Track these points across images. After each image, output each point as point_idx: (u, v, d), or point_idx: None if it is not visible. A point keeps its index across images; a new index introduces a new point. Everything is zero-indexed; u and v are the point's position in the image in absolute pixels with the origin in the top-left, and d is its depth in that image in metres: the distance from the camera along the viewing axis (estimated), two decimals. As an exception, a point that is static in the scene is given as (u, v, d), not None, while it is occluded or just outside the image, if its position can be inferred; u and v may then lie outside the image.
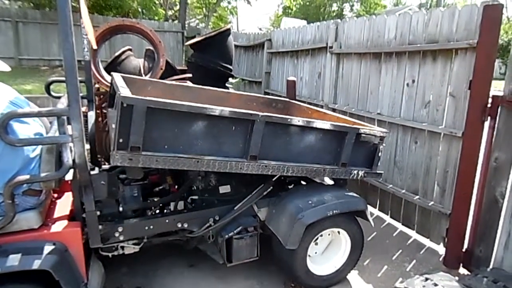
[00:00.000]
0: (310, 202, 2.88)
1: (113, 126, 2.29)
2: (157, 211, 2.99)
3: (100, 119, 5.71)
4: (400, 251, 3.68)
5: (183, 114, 2.32)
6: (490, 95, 3.04)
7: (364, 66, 4.55)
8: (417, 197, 3.81)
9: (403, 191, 3.99)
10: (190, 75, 5.75)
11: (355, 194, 3.12)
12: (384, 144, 3.17)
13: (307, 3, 28.31)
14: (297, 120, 2.73)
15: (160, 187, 3.20)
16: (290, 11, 29.56)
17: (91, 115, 3.41)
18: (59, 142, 2.16)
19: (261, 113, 2.56)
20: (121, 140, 2.19)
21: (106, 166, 3.70)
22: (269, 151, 2.68)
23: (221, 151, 2.53)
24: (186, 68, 6.68)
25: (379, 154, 3.14)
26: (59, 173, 2.17)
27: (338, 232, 3.05)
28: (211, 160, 2.47)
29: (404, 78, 3.93)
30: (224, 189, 3.28)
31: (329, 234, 3.10)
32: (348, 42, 4.82)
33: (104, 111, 5.77)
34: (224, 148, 2.55)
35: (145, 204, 2.95)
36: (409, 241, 3.87)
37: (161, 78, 5.42)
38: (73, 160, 2.23)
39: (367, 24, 4.43)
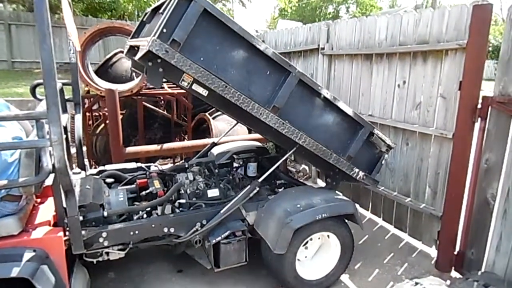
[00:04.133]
0: (298, 205, 2.84)
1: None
2: (144, 215, 2.93)
3: (90, 122, 5.67)
4: (392, 254, 3.64)
5: (231, 34, 2.41)
6: (480, 96, 3.01)
7: (355, 67, 4.52)
8: (409, 199, 3.78)
9: (395, 193, 3.96)
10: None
11: (344, 197, 3.08)
12: (387, 156, 3.15)
13: (303, 5, 28.38)
14: (326, 92, 2.77)
15: (147, 191, 3.15)
16: (286, 13, 29.61)
17: (78, 118, 3.35)
18: (38, 146, 2.11)
19: (298, 68, 2.63)
20: (165, 30, 2.21)
21: (93, 170, 3.66)
22: (290, 111, 2.71)
23: (249, 89, 2.55)
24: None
25: (382, 162, 3.13)
26: (38, 178, 2.11)
27: (328, 236, 3.00)
28: (237, 92, 2.47)
29: (395, 79, 3.90)
30: (213, 192, 3.24)
31: (319, 238, 3.06)
32: (339, 43, 4.79)
33: (95, 114, 5.73)
34: (252, 88, 2.57)
35: (131, 208, 2.90)
36: (401, 244, 3.83)
37: (152, 80, 5.38)
38: (53, 165, 2.17)
39: (358, 25, 4.40)
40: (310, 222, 2.77)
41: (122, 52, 6.97)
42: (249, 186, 2.97)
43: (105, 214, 2.73)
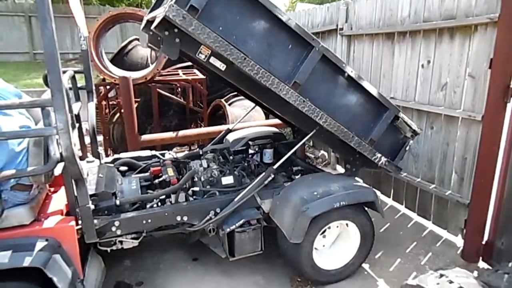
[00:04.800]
0: (315, 193, 2.71)
1: None
2: (158, 203, 2.88)
3: (107, 110, 5.67)
4: (415, 243, 3.48)
5: (252, 3, 2.30)
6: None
7: (376, 47, 4.29)
8: (433, 186, 3.59)
9: (418, 179, 3.77)
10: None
11: (364, 184, 2.94)
12: (412, 142, 2.98)
13: (322, -13, 27.58)
14: (350, 70, 2.65)
15: (160, 179, 3.09)
16: (304, -5, 28.91)
17: (91, 106, 3.31)
18: (44, 134, 2.06)
19: (321, 43, 2.50)
20: None
21: (108, 159, 3.64)
22: (311, 89, 2.59)
23: (269, 63, 2.45)
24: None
25: (406, 148, 2.97)
26: (46, 167, 2.07)
27: (347, 225, 2.88)
28: (256, 65, 2.37)
29: (419, 58, 3.67)
30: (227, 180, 3.15)
31: (337, 227, 2.94)
32: (359, 23, 4.55)
33: (112, 102, 5.73)
34: (273, 62, 2.46)
35: (143, 197, 2.85)
36: (425, 233, 3.66)
37: (165, 66, 5.30)
38: (61, 153, 2.13)
39: (379, 2, 4.15)
40: (327, 211, 2.65)
41: (137, 39, 6.96)
42: (264, 173, 2.86)
43: (118, 202, 2.69)
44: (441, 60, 3.42)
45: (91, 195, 2.55)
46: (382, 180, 4.31)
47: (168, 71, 5.39)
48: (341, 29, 4.84)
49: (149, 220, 2.66)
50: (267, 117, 6.14)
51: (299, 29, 2.44)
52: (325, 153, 5.68)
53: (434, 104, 3.52)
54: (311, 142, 6.14)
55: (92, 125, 3.32)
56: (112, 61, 6.23)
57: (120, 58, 6.39)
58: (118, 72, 4.99)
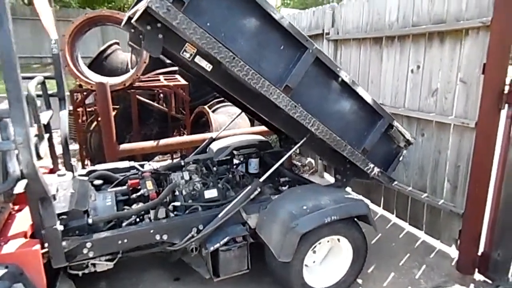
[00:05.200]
0: (304, 207, 2.54)
1: None
2: (135, 220, 2.66)
3: (84, 118, 5.40)
4: (408, 255, 3.34)
5: None
6: (508, 80, 2.67)
7: (363, 52, 4.18)
8: (425, 195, 3.46)
9: (410, 188, 3.64)
10: (174, 68, 5.40)
11: (356, 196, 2.78)
12: (405, 152, 2.85)
13: (305, -7, 27.72)
14: (344, 74, 2.50)
15: (138, 194, 2.87)
16: (289, 1, 29.01)
17: (63, 114, 3.07)
18: (1, 149, 1.83)
19: (315, 45, 2.36)
20: None
21: (82, 171, 3.39)
22: (303, 94, 2.43)
23: (259, 64, 2.27)
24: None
25: (400, 159, 2.83)
26: (4, 186, 1.84)
27: (338, 240, 2.71)
28: (246, 66, 2.19)
29: (408, 64, 3.56)
30: (210, 193, 2.95)
31: (328, 241, 2.76)
32: (346, 27, 4.44)
33: (89, 109, 5.45)
34: (263, 64, 2.29)
35: (119, 214, 2.62)
36: (417, 243, 3.53)
37: (146, 72, 5.07)
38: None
39: (366, 6, 4.04)
40: (318, 226, 2.47)
41: (117, 43, 6.70)
42: (249, 187, 2.67)
43: (90, 221, 2.46)
44: (431, 65, 3.32)
45: (59, 214, 2.32)
46: (372, 189, 4.17)
47: (149, 77, 5.16)
48: (327, 33, 4.72)
49: (125, 240, 2.44)
50: (252, 124, 5.98)
51: (292, 28, 2.28)
52: (312, 161, 5.54)
53: (425, 110, 3.41)
54: (298, 149, 5.99)
55: (64, 134, 3.08)
56: (90, 66, 5.97)
57: (99, 63, 6.13)
58: (95, 78, 4.74)
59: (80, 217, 2.45)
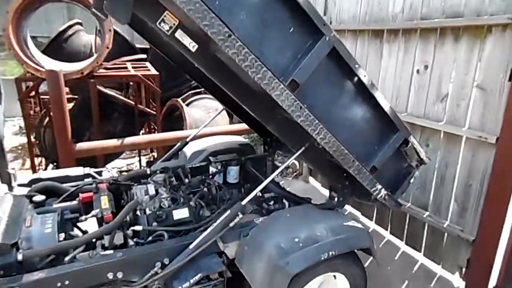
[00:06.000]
0: (296, 239, 2.06)
1: None
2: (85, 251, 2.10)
3: (37, 109, 4.70)
4: (406, 282, 2.95)
5: None
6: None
7: (360, 46, 3.69)
8: (427, 213, 3.06)
9: (408, 204, 3.23)
10: (144, 55, 4.76)
11: (356, 223, 2.31)
12: (417, 173, 2.40)
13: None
14: (363, 73, 1.99)
15: (88, 216, 2.31)
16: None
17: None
18: None
19: (333, 31, 1.84)
20: None
21: (24, 179, 2.78)
22: (310, 93, 1.91)
23: (261, 49, 1.73)
24: (148, 47, 5.66)
25: (410, 181, 2.38)
26: None
27: (334, 277, 2.25)
28: (244, 48, 1.64)
29: (413, 62, 3.10)
30: (180, 213, 2.43)
31: (321, 278, 2.30)
32: (340, 16, 3.93)
33: (43, 97, 4.73)
34: (266, 49, 1.75)
35: (60, 246, 2.05)
36: (416, 267, 3.14)
37: (111, 57, 4.41)
38: None
39: (365, -7, 3.54)
40: (313, 264, 2.00)
41: (80, 24, 5.94)
42: (228, 212, 2.15)
43: (20, 257, 1.88)
44: (441, 65, 2.87)
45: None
46: (363, 200, 3.75)
47: (115, 64, 4.50)
48: (319, 23, 4.20)
49: (67, 282, 1.88)
50: (231, 120, 5.44)
51: (308, 6, 1.74)
52: (296, 163, 5.07)
53: (431, 117, 2.98)
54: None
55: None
56: (47, 48, 5.23)
57: (58, 45, 5.38)
58: (49, 64, 4.05)
59: (6, 253, 1.87)
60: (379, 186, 2.23)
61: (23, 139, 4.17)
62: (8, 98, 3.94)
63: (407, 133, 2.22)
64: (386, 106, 2.11)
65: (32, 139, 4.40)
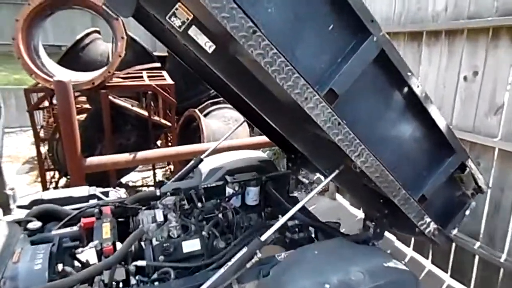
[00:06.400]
0: (327, 286, 1.70)
1: None
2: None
3: (51, 119, 4.54)
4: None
5: None
6: None
7: (395, 51, 3.31)
8: (478, 244, 2.63)
9: (454, 231, 2.80)
10: (158, 64, 4.53)
11: (399, 264, 1.93)
12: (474, 203, 2.00)
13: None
14: (416, 83, 1.61)
15: (86, 248, 2.03)
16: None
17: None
18: None
19: (382, 31, 1.47)
20: None
21: (24, 200, 2.55)
22: (349, 106, 1.54)
23: (292, 50, 1.38)
24: (167, 55, 5.45)
25: (466, 212, 1.98)
26: None
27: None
28: (272, 49, 1.30)
29: (459, 68, 2.70)
30: (191, 245, 2.12)
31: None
32: (371, 18, 3.56)
33: (55, 111, 4.57)
34: (298, 50, 1.40)
35: (50, 286, 1.77)
36: (464, 306, 2.71)
37: (128, 66, 4.21)
38: None
39: (400, -8, 3.16)
40: (347, 318, 1.64)
41: (98, 32, 5.82)
42: (245, 250, 1.82)
43: (1, 302, 1.62)
44: (495, 71, 2.46)
45: None
46: (399, 223, 3.34)
47: (128, 73, 4.28)
48: (347, 26, 3.84)
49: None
50: (251, 129, 5.12)
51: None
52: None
53: (483, 132, 2.56)
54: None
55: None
56: (63, 57, 5.12)
57: (75, 54, 5.26)
58: (62, 74, 3.87)
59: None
60: (428, 220, 1.83)
61: (41, 149, 4.07)
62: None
63: (465, 156, 1.83)
64: (442, 124, 1.72)
65: (46, 151, 4.24)
